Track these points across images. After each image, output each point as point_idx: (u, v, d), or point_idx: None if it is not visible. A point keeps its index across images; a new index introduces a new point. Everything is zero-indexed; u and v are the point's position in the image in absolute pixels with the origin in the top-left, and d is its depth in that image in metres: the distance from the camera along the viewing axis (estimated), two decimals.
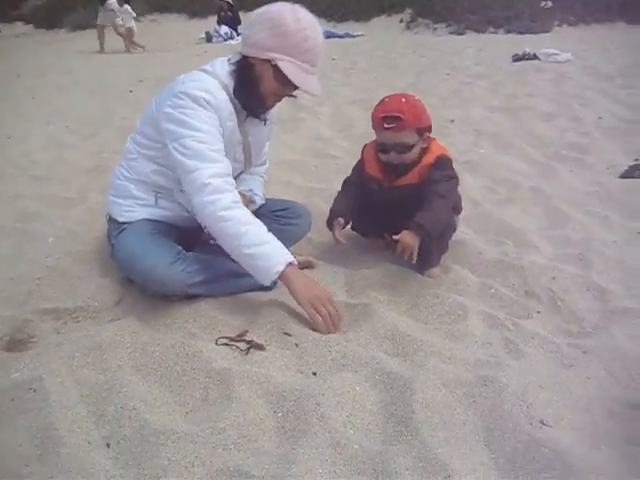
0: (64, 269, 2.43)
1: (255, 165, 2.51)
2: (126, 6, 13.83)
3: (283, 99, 2.23)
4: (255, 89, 2.13)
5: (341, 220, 2.42)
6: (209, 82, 2.12)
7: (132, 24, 13.78)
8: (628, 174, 3.58)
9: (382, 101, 2.35)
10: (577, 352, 1.94)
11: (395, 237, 2.21)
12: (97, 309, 2.20)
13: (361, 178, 2.53)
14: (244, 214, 2.07)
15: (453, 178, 2.37)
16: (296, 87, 2.10)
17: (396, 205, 2.41)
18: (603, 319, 2.15)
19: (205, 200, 2.02)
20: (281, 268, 2.02)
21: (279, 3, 2.08)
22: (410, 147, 2.31)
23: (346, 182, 2.61)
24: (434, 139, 2.42)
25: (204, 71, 2.17)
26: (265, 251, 2.03)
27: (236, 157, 2.28)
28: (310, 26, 2.04)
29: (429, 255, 2.38)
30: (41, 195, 3.51)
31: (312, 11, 2.11)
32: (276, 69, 2.04)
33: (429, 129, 2.36)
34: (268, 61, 2.05)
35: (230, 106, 2.15)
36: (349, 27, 15.17)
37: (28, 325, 2.05)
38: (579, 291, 2.33)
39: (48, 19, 21.68)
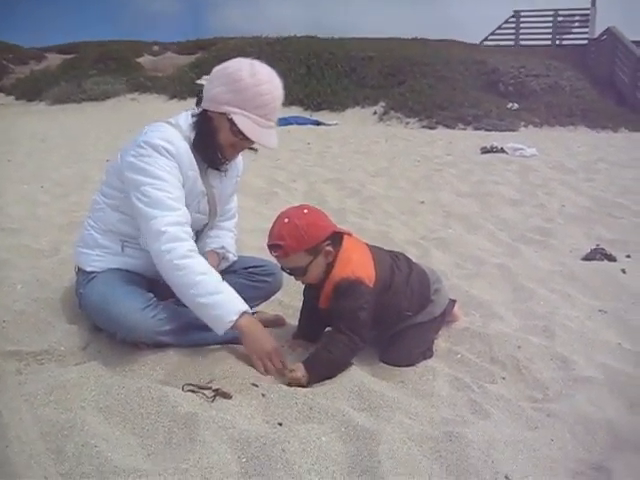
0: (31, 314, 2.40)
1: (221, 217, 2.53)
2: None
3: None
4: (213, 141, 2.18)
5: (300, 342, 2.39)
6: (170, 132, 2.18)
7: None
8: (590, 257, 3.71)
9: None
10: (541, 415, 1.96)
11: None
12: (63, 353, 2.16)
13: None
14: (199, 263, 2.09)
15: (358, 310, 2.12)
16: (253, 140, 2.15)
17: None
18: (566, 387, 2.18)
19: (162, 249, 2.04)
20: (234, 317, 2.03)
21: (238, 59, 2.16)
22: (304, 269, 2.14)
23: (304, 298, 2.46)
24: (344, 245, 2.19)
25: (168, 123, 2.24)
26: (219, 300, 2.04)
27: (200, 208, 2.31)
28: (266, 81, 2.09)
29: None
30: (12, 245, 3.49)
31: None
32: (232, 122, 2.09)
33: (322, 243, 2.12)
34: (224, 114, 2.10)
35: (191, 156, 2.20)
36: (324, 116, 15.55)
37: None
38: (543, 360, 2.36)
39: (29, 92, 21.98)
